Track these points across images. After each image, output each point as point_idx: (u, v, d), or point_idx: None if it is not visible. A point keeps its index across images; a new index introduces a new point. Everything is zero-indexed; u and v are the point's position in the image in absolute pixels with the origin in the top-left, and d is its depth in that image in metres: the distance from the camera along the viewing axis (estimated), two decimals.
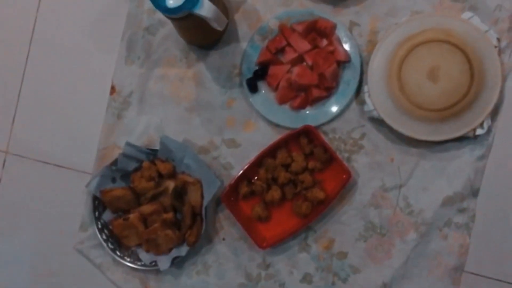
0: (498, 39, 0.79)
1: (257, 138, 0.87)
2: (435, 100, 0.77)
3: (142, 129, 0.90)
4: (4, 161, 0.94)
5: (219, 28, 0.77)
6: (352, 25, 0.85)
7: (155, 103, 0.90)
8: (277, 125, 0.86)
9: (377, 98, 0.80)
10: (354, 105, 0.84)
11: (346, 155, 0.84)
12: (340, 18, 0.85)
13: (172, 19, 0.74)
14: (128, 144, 0.85)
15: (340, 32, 0.83)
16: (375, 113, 0.81)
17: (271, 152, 0.84)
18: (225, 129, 0.88)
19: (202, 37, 0.85)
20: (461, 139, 0.80)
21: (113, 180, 0.87)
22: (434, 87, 0.77)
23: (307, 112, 0.85)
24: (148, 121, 0.90)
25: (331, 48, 0.83)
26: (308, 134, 0.84)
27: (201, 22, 0.74)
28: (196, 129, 0.89)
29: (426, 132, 0.79)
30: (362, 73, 0.83)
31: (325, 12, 0.85)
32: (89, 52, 0.92)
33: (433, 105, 0.77)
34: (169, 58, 0.90)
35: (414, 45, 0.78)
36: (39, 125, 0.93)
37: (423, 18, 0.80)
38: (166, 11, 0.70)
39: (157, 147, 0.86)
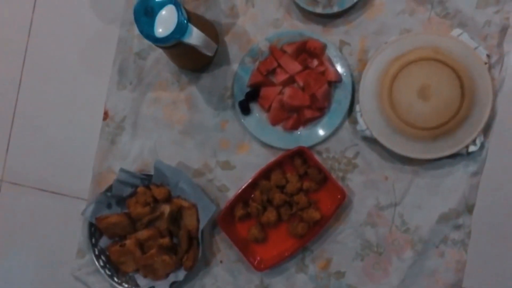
0: (488, 56, 0.79)
1: (251, 160, 0.87)
2: (427, 118, 0.77)
3: (136, 153, 0.90)
4: (0, 189, 0.95)
5: (209, 54, 0.78)
6: (342, 45, 0.85)
7: (149, 127, 0.90)
8: (270, 146, 0.86)
9: (369, 117, 0.80)
10: (346, 124, 0.84)
11: (340, 174, 0.84)
12: (330, 38, 0.85)
13: (162, 47, 0.74)
14: (123, 170, 0.85)
15: (331, 52, 0.84)
16: (367, 132, 0.81)
17: (265, 173, 0.84)
18: (219, 151, 0.88)
19: (192, 62, 0.85)
20: (454, 156, 0.80)
21: (109, 206, 0.87)
22: (425, 105, 0.77)
23: (300, 132, 0.85)
24: (142, 145, 0.90)
25: (321, 68, 0.83)
26: (302, 155, 0.84)
27: (191, 49, 0.74)
28: (190, 152, 0.89)
29: (419, 150, 0.79)
30: (353, 92, 0.84)
31: (315, 32, 0.85)
32: (82, 78, 0.93)
33: (425, 124, 0.77)
34: (161, 81, 0.90)
35: (404, 64, 0.78)
36: (34, 152, 0.94)
37: (412, 36, 0.80)
38: (155, 40, 0.70)
39: (152, 171, 0.86)
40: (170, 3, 0.70)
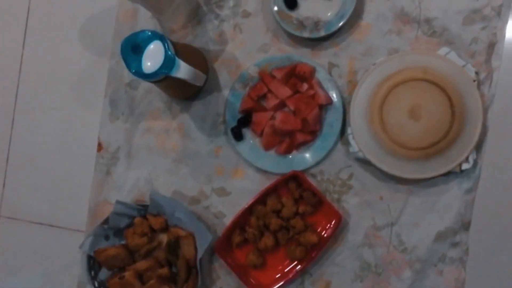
0: (476, 73, 0.79)
1: (246, 185, 0.87)
2: (419, 138, 0.77)
3: (132, 183, 0.90)
4: None
5: (198, 84, 0.78)
6: (331, 67, 0.85)
7: (143, 156, 0.91)
8: (265, 171, 0.86)
9: (361, 139, 0.81)
10: (339, 146, 0.84)
11: (335, 196, 0.84)
12: (318, 60, 0.85)
13: (151, 82, 0.75)
14: (119, 202, 0.85)
15: (320, 75, 0.84)
16: (360, 154, 0.81)
17: (261, 199, 0.84)
18: (214, 178, 0.88)
19: (183, 92, 0.85)
20: (448, 174, 0.80)
21: (106, 237, 0.87)
22: (416, 125, 0.77)
23: (294, 156, 0.85)
24: (137, 175, 0.90)
25: (312, 92, 0.83)
26: (296, 179, 0.84)
27: (180, 81, 0.75)
28: (185, 179, 0.89)
29: (412, 170, 0.79)
30: (344, 113, 0.84)
31: (304, 56, 0.85)
32: (74, 111, 0.93)
33: (417, 144, 0.77)
34: (153, 111, 0.90)
35: (393, 85, 0.79)
36: (30, 186, 0.94)
37: (400, 57, 0.81)
38: (144, 76, 0.70)
39: (148, 201, 0.86)
40: (157, 38, 0.70)
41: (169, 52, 0.70)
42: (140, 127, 0.91)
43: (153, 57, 0.70)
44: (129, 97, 0.91)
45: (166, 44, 0.70)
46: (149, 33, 0.71)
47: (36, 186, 0.94)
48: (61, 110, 0.94)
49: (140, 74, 0.70)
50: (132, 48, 0.71)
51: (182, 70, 0.71)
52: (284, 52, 0.87)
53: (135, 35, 0.71)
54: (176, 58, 0.70)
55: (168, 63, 0.70)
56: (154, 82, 0.74)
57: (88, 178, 0.92)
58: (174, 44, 0.74)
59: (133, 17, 0.91)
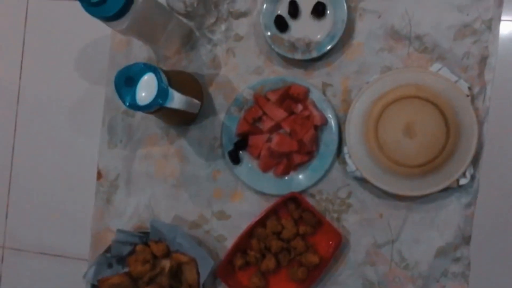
0: (469, 88, 0.79)
1: (246, 208, 0.87)
2: (415, 155, 0.78)
3: (132, 210, 0.91)
4: (2, 256, 0.96)
5: (194, 111, 0.79)
6: (325, 87, 0.86)
7: (142, 183, 0.91)
8: (263, 193, 0.86)
9: (357, 158, 0.81)
10: (337, 165, 0.85)
11: (335, 215, 0.85)
12: (312, 81, 0.86)
13: (147, 113, 0.75)
14: (120, 230, 0.86)
15: (314, 95, 0.84)
16: (358, 173, 0.81)
17: (261, 221, 0.85)
18: (214, 202, 0.89)
19: (179, 120, 0.86)
20: (446, 189, 0.80)
21: (110, 266, 0.88)
22: (412, 143, 0.78)
23: (292, 177, 0.85)
24: (137, 201, 0.91)
25: (306, 113, 0.84)
26: (295, 200, 0.84)
27: (175, 110, 0.75)
28: (185, 204, 0.90)
29: (410, 187, 0.79)
30: (340, 133, 0.84)
31: (297, 77, 0.86)
32: (72, 140, 0.94)
33: (413, 161, 0.78)
34: (151, 137, 0.91)
35: (387, 104, 0.79)
36: (32, 217, 0.95)
37: (392, 75, 0.81)
38: (138, 108, 0.71)
39: (149, 228, 0.87)
40: (150, 71, 0.71)
41: (162, 84, 0.70)
42: (139, 153, 0.91)
43: (147, 88, 0.71)
44: (126, 124, 0.92)
45: (159, 76, 0.71)
46: (142, 66, 0.71)
47: (38, 217, 0.95)
48: (60, 140, 0.95)
49: (134, 106, 0.71)
50: (126, 81, 0.71)
51: (176, 101, 0.71)
52: (277, 73, 0.87)
53: (128, 68, 0.72)
54: (170, 89, 0.71)
55: (162, 94, 0.70)
56: (149, 113, 0.74)
57: (89, 207, 0.92)
58: (168, 74, 0.75)
59: (127, 45, 0.92)
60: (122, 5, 0.68)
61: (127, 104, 0.71)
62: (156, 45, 0.84)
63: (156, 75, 0.71)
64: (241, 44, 0.89)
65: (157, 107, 0.72)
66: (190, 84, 0.85)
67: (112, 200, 0.92)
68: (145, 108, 0.71)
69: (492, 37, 0.80)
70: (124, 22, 0.70)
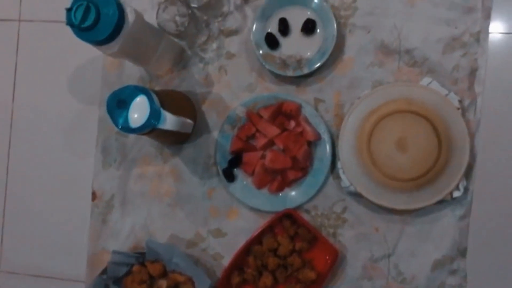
0: (460, 101, 0.80)
1: (242, 225, 0.87)
2: (408, 170, 0.78)
3: (128, 230, 0.91)
4: None
5: (187, 131, 0.79)
6: (317, 102, 0.86)
7: (138, 203, 0.91)
8: (259, 210, 0.86)
9: (351, 173, 0.81)
10: (331, 180, 0.85)
11: (331, 230, 0.85)
12: (304, 97, 0.86)
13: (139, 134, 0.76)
14: (116, 252, 0.86)
15: (307, 111, 0.85)
16: (352, 188, 0.81)
17: (257, 239, 0.85)
18: (210, 220, 0.89)
19: (172, 139, 0.86)
20: (440, 201, 0.80)
21: (106, 287, 0.87)
22: (404, 157, 0.78)
23: (286, 193, 0.85)
24: (133, 221, 0.91)
25: (299, 129, 0.84)
26: (290, 216, 0.84)
27: (168, 130, 0.75)
28: (181, 223, 0.89)
29: (404, 201, 0.79)
30: (333, 148, 0.84)
31: (289, 93, 0.86)
32: (67, 161, 0.94)
33: (406, 175, 0.78)
34: (145, 156, 0.91)
35: (379, 118, 0.79)
36: (28, 239, 0.94)
37: (383, 90, 0.81)
38: (130, 131, 0.71)
39: (145, 248, 0.86)
40: (141, 93, 0.71)
41: (154, 106, 0.71)
42: (133, 173, 0.91)
43: (139, 110, 0.71)
44: (120, 144, 0.92)
45: (150, 98, 0.71)
46: (134, 88, 0.72)
47: (34, 239, 0.94)
48: (54, 161, 0.94)
49: (127, 129, 0.71)
50: (118, 104, 0.71)
51: (169, 122, 0.71)
52: (269, 90, 0.88)
53: (119, 91, 0.72)
54: (162, 110, 0.71)
55: (154, 116, 0.70)
56: (143, 134, 0.75)
57: (85, 228, 0.92)
58: (160, 94, 0.75)
59: (120, 65, 0.92)
60: (112, 29, 0.68)
61: (120, 127, 0.71)
62: (148, 65, 0.85)
63: (147, 97, 0.71)
64: (233, 61, 0.89)
65: (150, 129, 0.72)
66: (183, 103, 0.86)
67: (107, 221, 0.91)
68: (137, 131, 0.71)
69: (481, 50, 0.81)
70: (115, 45, 0.70)
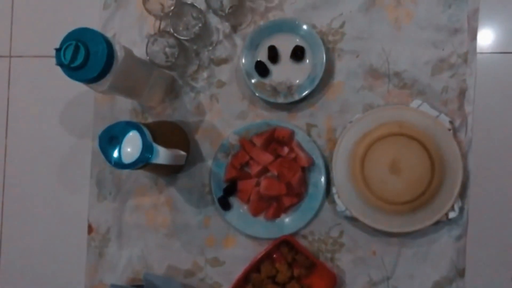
0: (451, 122, 0.80)
1: (239, 253, 0.87)
2: (402, 193, 0.78)
3: (125, 262, 0.90)
4: None
5: (180, 163, 0.79)
6: (309, 127, 0.86)
7: (134, 234, 0.91)
8: (256, 237, 0.86)
9: (346, 198, 0.81)
10: (326, 204, 0.85)
11: (328, 255, 0.84)
12: (296, 122, 0.87)
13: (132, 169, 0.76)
14: (114, 285, 0.85)
15: (299, 137, 0.85)
16: (348, 213, 0.81)
17: (254, 266, 0.84)
18: (206, 249, 0.88)
19: (166, 171, 0.87)
20: (436, 222, 0.80)
21: None
22: (398, 180, 0.78)
23: (283, 220, 0.85)
24: (130, 253, 0.90)
25: (293, 155, 0.84)
26: (288, 243, 0.84)
27: (161, 164, 0.75)
28: (178, 253, 0.89)
29: (400, 224, 0.79)
30: (328, 172, 0.84)
31: (281, 119, 0.87)
32: (62, 195, 0.94)
33: (401, 198, 0.78)
34: (140, 187, 0.91)
35: (371, 142, 0.80)
36: (24, 275, 0.94)
37: (374, 113, 0.82)
38: (123, 167, 0.71)
39: (143, 281, 0.86)
40: (133, 129, 0.71)
41: (147, 141, 0.71)
42: (129, 205, 0.91)
43: (131, 146, 0.71)
44: (114, 176, 0.92)
45: (143, 134, 0.71)
46: (125, 124, 0.72)
47: (30, 275, 0.94)
48: (49, 196, 0.94)
49: (120, 165, 0.71)
50: (110, 140, 0.71)
51: (162, 156, 0.71)
52: (261, 117, 0.88)
53: (111, 127, 0.72)
54: (154, 145, 0.71)
55: (147, 152, 0.70)
56: (136, 169, 0.75)
57: (81, 262, 0.91)
58: (152, 127, 0.75)
59: (111, 97, 0.93)
60: (102, 67, 0.68)
61: (113, 163, 0.71)
62: (139, 98, 0.85)
63: (139, 132, 0.71)
64: (224, 89, 0.90)
65: (143, 164, 0.72)
66: (175, 134, 0.86)
67: (104, 254, 0.91)
68: (131, 167, 0.71)
69: (469, 70, 0.82)
70: (106, 83, 0.71)
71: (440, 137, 0.79)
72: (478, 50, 0.82)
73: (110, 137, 0.72)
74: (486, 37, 0.83)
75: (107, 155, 0.72)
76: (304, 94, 0.84)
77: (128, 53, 0.73)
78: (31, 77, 0.97)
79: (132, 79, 0.77)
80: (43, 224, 0.94)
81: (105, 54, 0.68)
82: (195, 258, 0.88)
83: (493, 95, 0.82)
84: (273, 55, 0.86)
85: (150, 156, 0.71)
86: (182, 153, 0.78)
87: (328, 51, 0.86)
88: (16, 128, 0.97)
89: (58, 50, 0.69)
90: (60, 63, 0.69)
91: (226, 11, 0.84)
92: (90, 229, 0.92)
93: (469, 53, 0.82)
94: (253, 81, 0.86)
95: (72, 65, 0.68)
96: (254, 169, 0.85)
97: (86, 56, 0.68)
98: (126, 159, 0.71)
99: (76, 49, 0.68)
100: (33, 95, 0.96)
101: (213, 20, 0.90)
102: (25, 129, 0.96)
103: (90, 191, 0.92)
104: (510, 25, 0.82)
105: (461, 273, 0.80)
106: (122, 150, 0.71)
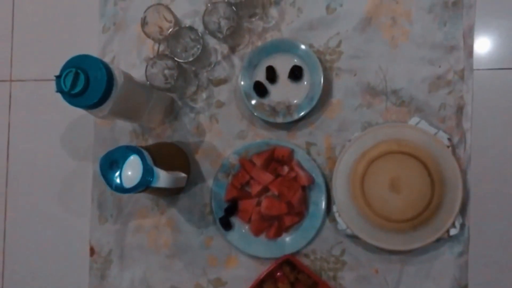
0: (449, 139, 0.81)
1: (241, 273, 0.87)
2: (403, 210, 0.78)
3: (128, 284, 0.90)
4: None
5: (181, 186, 0.79)
6: (308, 146, 0.87)
7: (136, 256, 0.91)
8: (258, 257, 0.86)
9: (347, 216, 0.81)
10: (328, 223, 0.85)
11: (331, 273, 0.84)
12: (295, 141, 0.87)
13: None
14: None
15: (299, 156, 0.85)
16: (349, 231, 0.81)
17: (257, 286, 0.84)
18: (209, 269, 0.88)
19: (167, 193, 0.87)
20: (438, 239, 0.80)
21: None
22: (398, 198, 0.78)
23: (284, 239, 0.85)
24: (132, 275, 0.90)
25: (293, 174, 0.85)
26: (290, 262, 0.84)
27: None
28: (180, 274, 0.89)
29: (401, 242, 0.79)
30: (328, 191, 0.85)
31: (280, 139, 0.87)
32: (63, 218, 0.94)
33: (401, 216, 0.78)
34: (141, 209, 0.91)
35: (370, 161, 0.80)
36: None
37: (373, 132, 0.82)
38: (124, 191, 0.71)
39: None
40: (134, 153, 0.72)
41: (147, 165, 0.71)
42: (130, 226, 0.91)
43: (132, 170, 0.71)
44: (115, 198, 0.92)
45: (143, 158, 0.71)
46: (125, 149, 0.72)
47: None
48: (51, 219, 0.94)
49: (121, 189, 0.71)
50: (111, 165, 0.72)
51: (162, 180, 0.72)
52: (261, 136, 0.89)
53: (111, 152, 0.72)
54: (155, 169, 0.71)
55: (148, 175, 0.71)
56: (137, 192, 0.75)
57: (84, 285, 0.91)
58: (152, 150, 0.75)
59: (111, 120, 0.93)
60: (102, 93, 0.69)
61: (114, 188, 0.71)
62: (140, 121, 0.85)
63: (140, 157, 0.72)
64: (223, 110, 0.90)
65: (143, 188, 0.72)
66: (176, 155, 0.86)
67: (106, 276, 0.91)
68: (132, 191, 0.71)
69: (466, 87, 0.82)
70: (106, 108, 0.71)
71: (439, 154, 0.79)
72: (474, 66, 0.83)
73: (111, 162, 0.72)
74: (482, 54, 0.84)
75: (108, 180, 0.72)
76: (302, 113, 0.84)
77: (128, 78, 0.74)
78: (31, 100, 0.98)
79: (131, 103, 0.78)
80: (45, 247, 0.94)
81: (105, 81, 0.69)
82: (198, 279, 0.88)
83: (491, 111, 0.82)
84: (271, 75, 0.87)
85: (151, 180, 0.71)
86: (183, 175, 0.79)
87: (326, 70, 0.86)
88: (17, 152, 0.97)
89: (58, 77, 0.70)
90: (60, 90, 0.70)
91: (224, 32, 0.85)
92: (92, 251, 0.92)
93: (465, 70, 0.83)
94: (252, 102, 0.87)
95: (72, 92, 0.69)
96: (255, 188, 0.86)
97: (86, 83, 0.69)
98: (127, 184, 0.72)
99: (76, 76, 0.69)
100: (34, 118, 0.97)
101: (211, 41, 0.91)
102: (26, 153, 0.97)
103: (91, 214, 0.93)
104: (506, 41, 0.83)
105: None
106: (123, 174, 0.72)
